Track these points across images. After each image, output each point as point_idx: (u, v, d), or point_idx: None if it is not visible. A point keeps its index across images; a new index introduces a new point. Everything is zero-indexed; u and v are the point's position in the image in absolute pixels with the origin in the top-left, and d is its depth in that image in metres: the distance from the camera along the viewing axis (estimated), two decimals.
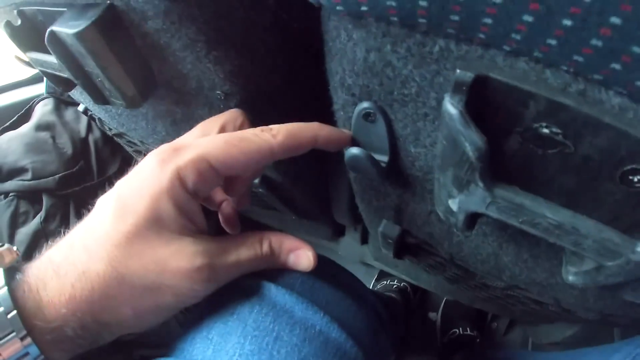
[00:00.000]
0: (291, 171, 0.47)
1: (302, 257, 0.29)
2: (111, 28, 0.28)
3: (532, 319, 0.75)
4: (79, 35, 0.26)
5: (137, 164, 0.27)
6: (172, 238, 0.24)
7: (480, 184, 0.17)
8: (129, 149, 0.72)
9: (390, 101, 0.22)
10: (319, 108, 0.29)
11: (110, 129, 0.67)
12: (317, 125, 0.27)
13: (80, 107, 0.71)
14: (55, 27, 0.28)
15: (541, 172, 0.18)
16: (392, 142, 0.25)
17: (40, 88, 0.88)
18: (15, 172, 0.71)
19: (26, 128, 0.76)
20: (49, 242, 0.48)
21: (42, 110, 0.80)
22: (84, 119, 0.81)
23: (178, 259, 0.24)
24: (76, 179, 0.74)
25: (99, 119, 0.67)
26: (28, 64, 0.57)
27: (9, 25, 0.35)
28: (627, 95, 0.14)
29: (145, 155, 0.26)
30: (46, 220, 0.70)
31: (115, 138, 0.70)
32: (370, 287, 0.96)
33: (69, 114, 0.82)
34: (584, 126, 0.15)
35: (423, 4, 0.15)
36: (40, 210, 0.71)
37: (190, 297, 0.26)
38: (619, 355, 0.38)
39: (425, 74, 0.19)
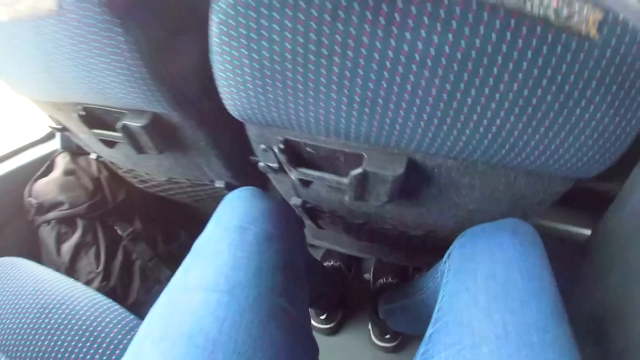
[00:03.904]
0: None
1: None
2: (154, 122, 0.66)
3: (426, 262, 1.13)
4: (142, 127, 0.64)
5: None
6: None
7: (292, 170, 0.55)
8: (133, 180, 1.09)
9: None
10: None
11: (120, 168, 1.04)
12: None
13: (93, 156, 1.08)
14: (125, 122, 0.65)
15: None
16: None
17: (54, 144, 1.23)
18: (54, 205, 1.06)
19: (56, 174, 1.11)
20: (86, 251, 0.92)
21: (64, 161, 1.15)
22: (93, 164, 1.17)
23: None
24: (98, 206, 1.10)
25: (111, 162, 1.04)
26: (60, 129, 0.91)
27: (78, 114, 0.72)
28: None
29: (148, 184, 0.63)
30: (83, 235, 1.05)
31: (124, 174, 1.07)
32: None
33: (81, 161, 1.17)
34: None
35: None
36: (75, 230, 1.07)
37: None
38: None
39: None
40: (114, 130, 0.71)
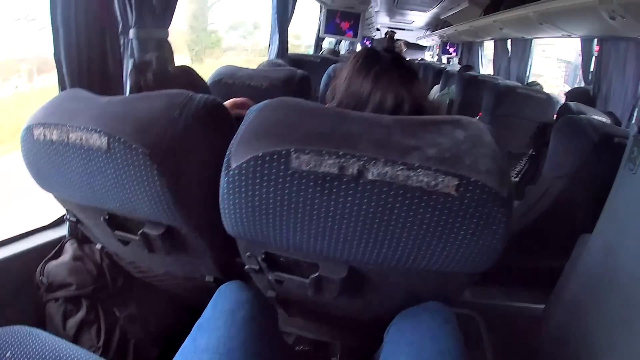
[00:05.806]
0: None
1: None
2: (168, 232, 0.89)
3: None
4: (158, 236, 0.88)
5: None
6: None
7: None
8: (133, 270, 1.30)
9: None
10: None
11: (124, 259, 1.25)
12: None
13: (98, 246, 1.30)
14: (146, 230, 0.89)
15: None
16: None
17: (62, 231, 1.45)
18: (63, 285, 1.25)
19: (66, 258, 1.31)
20: (89, 327, 1.16)
21: (72, 247, 1.36)
22: (97, 253, 1.37)
23: None
24: (100, 289, 1.29)
25: (115, 253, 1.26)
26: (75, 222, 1.14)
27: (103, 217, 0.94)
28: None
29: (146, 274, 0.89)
30: (87, 314, 1.24)
31: (126, 264, 1.28)
32: None
33: (86, 249, 1.38)
34: None
35: None
36: (80, 309, 1.25)
37: None
38: None
39: None
40: (132, 232, 0.94)
